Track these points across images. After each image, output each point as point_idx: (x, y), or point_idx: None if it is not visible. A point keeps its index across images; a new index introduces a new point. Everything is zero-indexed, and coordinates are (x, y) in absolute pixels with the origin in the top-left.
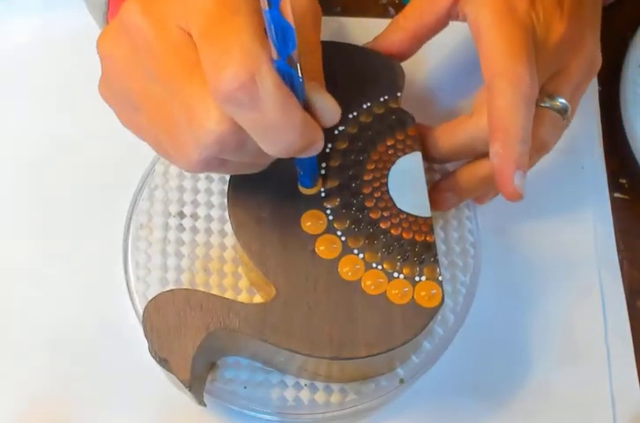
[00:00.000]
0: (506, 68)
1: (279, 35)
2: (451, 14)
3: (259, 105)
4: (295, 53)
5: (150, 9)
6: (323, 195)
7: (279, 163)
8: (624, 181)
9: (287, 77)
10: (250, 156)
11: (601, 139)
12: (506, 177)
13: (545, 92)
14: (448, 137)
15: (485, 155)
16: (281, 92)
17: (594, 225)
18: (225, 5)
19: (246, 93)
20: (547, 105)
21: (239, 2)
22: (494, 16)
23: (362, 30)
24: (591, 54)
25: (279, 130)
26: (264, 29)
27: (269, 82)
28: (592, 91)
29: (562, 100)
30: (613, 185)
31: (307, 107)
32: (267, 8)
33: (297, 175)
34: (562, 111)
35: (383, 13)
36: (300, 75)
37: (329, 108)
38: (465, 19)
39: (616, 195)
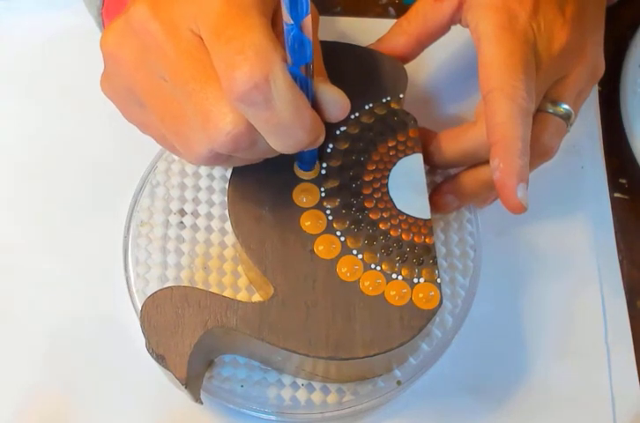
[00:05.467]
0: (503, 82)
1: (298, 48)
2: (454, 20)
3: (272, 105)
4: (311, 63)
5: (159, 10)
6: (323, 194)
7: (280, 162)
8: (624, 181)
9: (299, 80)
10: (259, 153)
11: (601, 139)
12: (509, 191)
13: (548, 99)
14: (452, 144)
15: (487, 160)
16: (293, 93)
17: (594, 225)
18: (234, 6)
19: (260, 94)
20: (551, 111)
21: (248, 2)
22: (495, 28)
23: (362, 30)
24: (594, 60)
25: (290, 129)
26: (278, 33)
27: (282, 83)
28: (592, 91)
29: (566, 106)
30: (613, 185)
31: (314, 102)
32: (290, 22)
33: (294, 161)
34: (566, 117)
35: (383, 13)
36: (311, 77)
37: (338, 101)
38: (467, 26)
39: (616, 195)
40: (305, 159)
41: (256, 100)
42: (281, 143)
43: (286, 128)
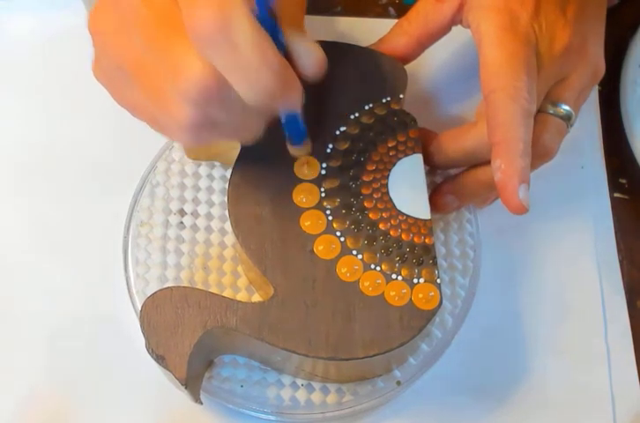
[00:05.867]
0: (505, 83)
1: None
2: (455, 20)
3: (235, 46)
4: (274, 5)
5: None
6: (323, 194)
7: (279, 163)
8: (624, 181)
9: (265, 23)
10: (235, 112)
11: (601, 139)
12: (510, 192)
13: (549, 100)
14: (452, 145)
15: (488, 161)
16: (257, 34)
17: (594, 225)
18: None
19: (221, 34)
20: (551, 112)
21: None
22: (496, 29)
23: (362, 30)
24: (595, 61)
25: (256, 73)
26: None
27: (244, 22)
28: (592, 91)
29: (566, 107)
30: (613, 185)
31: (288, 56)
32: None
33: (286, 139)
34: (566, 118)
35: (383, 13)
36: (278, 24)
37: (312, 51)
38: (468, 26)
39: (616, 195)
40: (291, 129)
41: (217, 41)
42: (248, 88)
43: (250, 70)
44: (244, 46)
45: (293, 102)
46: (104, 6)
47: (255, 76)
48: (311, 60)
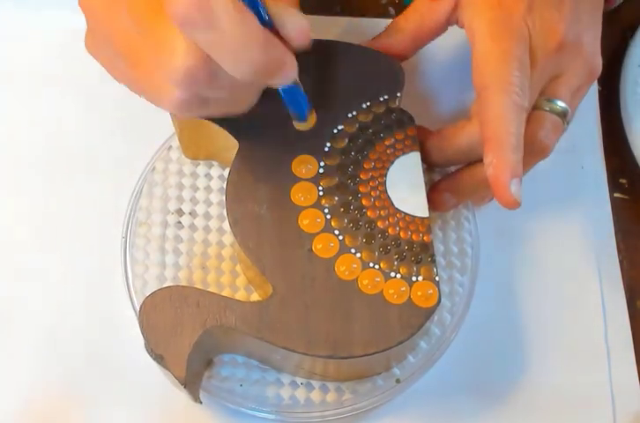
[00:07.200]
0: (497, 79)
1: None
2: (451, 20)
3: (215, 24)
4: None
5: None
6: (321, 193)
7: (278, 161)
8: (624, 181)
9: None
10: (226, 88)
11: (601, 139)
12: (502, 186)
13: (544, 96)
14: (448, 142)
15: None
16: (236, 9)
17: (594, 225)
18: None
19: (200, 12)
20: (547, 108)
21: None
22: (489, 24)
23: (362, 30)
24: (591, 58)
25: (240, 49)
26: None
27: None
28: (592, 91)
29: (562, 104)
30: (613, 185)
31: (274, 28)
32: None
33: (290, 117)
34: (562, 114)
35: (383, 13)
36: None
37: (295, 21)
38: (462, 25)
39: (616, 195)
40: (293, 103)
41: (197, 19)
42: (236, 66)
43: (237, 48)
44: (225, 22)
45: (287, 74)
46: None
47: (240, 52)
48: (295, 29)
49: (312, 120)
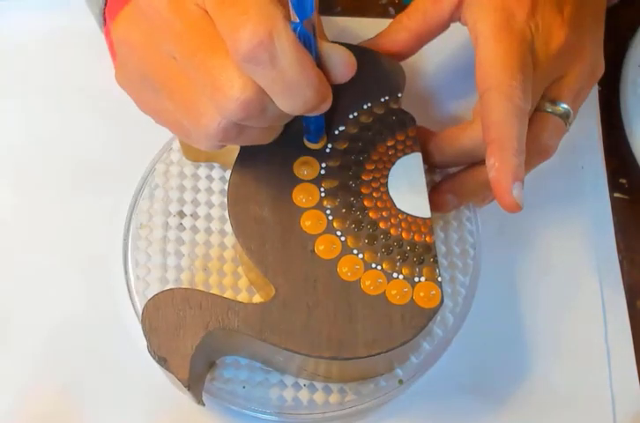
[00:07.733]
0: (499, 81)
1: (298, 2)
2: (454, 17)
3: (277, 62)
4: (313, 16)
5: None
6: (323, 194)
7: (279, 162)
8: (624, 181)
9: (303, 38)
10: (269, 120)
11: (601, 139)
12: (504, 190)
13: (547, 98)
14: (450, 143)
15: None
16: (297, 50)
17: (594, 225)
18: None
19: (264, 51)
20: (549, 110)
21: None
22: (493, 27)
23: (362, 30)
24: (593, 60)
25: (297, 88)
26: None
27: (286, 39)
28: (593, 91)
29: (564, 106)
30: (613, 185)
31: (319, 63)
32: None
33: (303, 131)
34: (564, 116)
35: (383, 13)
36: (315, 36)
37: (344, 57)
38: (466, 24)
39: (616, 195)
40: (312, 129)
41: (261, 59)
42: (290, 103)
43: (293, 86)
44: (286, 62)
45: (327, 107)
46: (130, 15)
47: (296, 89)
48: (343, 65)
49: (322, 142)
